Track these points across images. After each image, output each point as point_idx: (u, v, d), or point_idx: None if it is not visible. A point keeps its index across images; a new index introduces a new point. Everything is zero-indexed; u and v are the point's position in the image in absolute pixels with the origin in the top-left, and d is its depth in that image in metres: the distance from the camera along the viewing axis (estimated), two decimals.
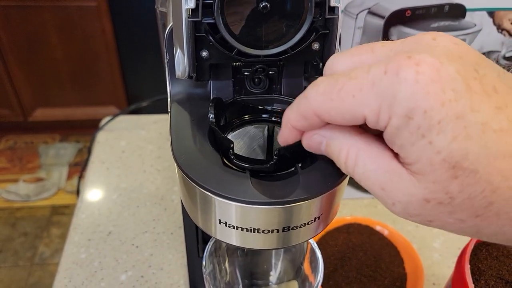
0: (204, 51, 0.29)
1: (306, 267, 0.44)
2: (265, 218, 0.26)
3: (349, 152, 0.22)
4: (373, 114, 0.19)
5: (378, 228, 0.56)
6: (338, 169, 0.27)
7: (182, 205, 0.43)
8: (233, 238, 0.28)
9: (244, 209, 0.26)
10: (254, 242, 0.28)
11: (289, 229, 0.27)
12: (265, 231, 0.27)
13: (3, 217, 1.65)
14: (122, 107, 1.91)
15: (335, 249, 0.53)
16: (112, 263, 0.55)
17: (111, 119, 0.76)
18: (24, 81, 1.82)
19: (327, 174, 0.27)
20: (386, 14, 0.47)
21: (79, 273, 0.53)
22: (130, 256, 0.56)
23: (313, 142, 0.24)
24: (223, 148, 0.27)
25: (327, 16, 0.28)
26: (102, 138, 0.74)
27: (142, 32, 1.73)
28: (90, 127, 2.00)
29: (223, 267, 0.43)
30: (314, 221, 0.28)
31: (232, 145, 0.26)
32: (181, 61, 0.29)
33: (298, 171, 0.27)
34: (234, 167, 0.27)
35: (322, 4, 0.27)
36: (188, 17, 0.27)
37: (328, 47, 0.29)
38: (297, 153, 0.27)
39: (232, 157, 0.26)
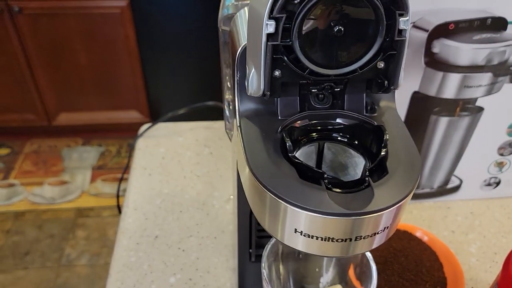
0: (277, 70, 0.31)
1: (351, 274, 0.46)
2: (339, 228, 0.28)
3: None
4: None
5: (418, 234, 0.58)
6: (407, 181, 0.29)
7: (238, 211, 0.45)
8: (312, 247, 0.30)
9: (320, 219, 0.28)
10: (320, 249, 0.30)
11: (360, 239, 0.29)
12: (338, 240, 0.29)
13: (30, 219, 1.70)
14: (143, 112, 1.95)
15: (376, 253, 0.55)
16: (160, 266, 0.57)
17: (149, 127, 0.78)
18: (49, 86, 1.86)
19: (397, 186, 0.29)
20: (430, 27, 0.48)
21: (130, 275, 0.56)
22: (177, 259, 0.58)
23: None
24: (314, 180, 0.29)
25: (396, 38, 0.30)
26: (142, 145, 0.77)
27: (163, 38, 1.76)
28: (113, 131, 2.04)
29: (277, 270, 0.45)
30: (383, 230, 0.30)
31: (325, 175, 0.28)
32: (256, 80, 0.31)
33: (370, 184, 0.29)
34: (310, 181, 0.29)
35: (392, 26, 0.29)
36: (268, 41, 0.29)
37: (394, 66, 0.31)
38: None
39: (329, 186, 0.28)
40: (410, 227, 0.58)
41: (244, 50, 0.33)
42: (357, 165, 0.34)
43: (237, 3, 0.40)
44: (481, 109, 0.56)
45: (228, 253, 0.59)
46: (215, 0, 0.45)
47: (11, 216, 1.70)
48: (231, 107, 0.41)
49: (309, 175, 0.29)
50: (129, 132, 1.87)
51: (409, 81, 0.52)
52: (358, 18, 0.29)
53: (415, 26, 0.48)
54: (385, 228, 0.30)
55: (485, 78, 0.53)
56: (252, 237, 0.47)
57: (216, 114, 0.75)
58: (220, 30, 0.40)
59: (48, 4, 1.66)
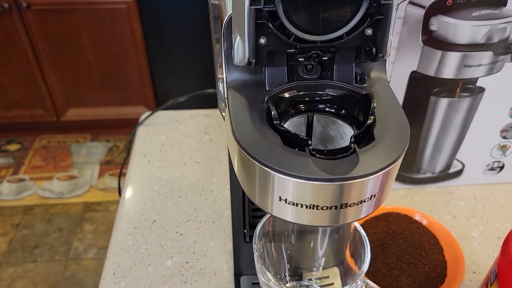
0: (263, 38, 0.30)
1: (348, 255, 0.45)
2: (324, 195, 0.28)
3: None
4: None
5: (417, 217, 0.57)
6: (394, 148, 0.29)
7: (231, 192, 0.45)
8: (299, 217, 0.29)
9: (304, 185, 0.28)
10: (309, 218, 0.30)
11: (346, 206, 0.29)
12: (323, 208, 0.29)
13: (39, 213, 1.71)
14: (151, 107, 1.95)
15: (375, 236, 0.54)
16: (158, 250, 0.57)
17: (150, 114, 0.79)
18: (57, 82, 1.88)
19: (383, 153, 0.28)
20: (427, 3, 0.47)
21: (127, 258, 0.56)
22: (175, 243, 0.58)
23: None
24: (299, 147, 0.28)
25: (383, 2, 0.29)
26: (142, 132, 0.77)
27: (170, 34, 1.77)
28: (120, 127, 2.05)
29: (270, 252, 0.44)
30: (370, 198, 0.29)
31: (310, 142, 0.28)
32: (241, 48, 0.31)
33: (356, 151, 0.28)
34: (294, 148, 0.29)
35: None
36: (251, 5, 0.28)
37: (382, 33, 0.30)
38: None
39: (313, 152, 0.27)
40: (410, 211, 0.57)
41: (230, 19, 0.32)
42: (346, 135, 0.33)
43: None
44: (482, 89, 0.55)
45: (226, 237, 0.59)
46: None
47: (20, 210, 1.72)
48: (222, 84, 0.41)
49: (294, 142, 0.29)
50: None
51: (407, 60, 0.52)
52: None
53: (411, 3, 0.47)
54: (372, 196, 0.29)
55: (486, 57, 0.52)
56: (246, 218, 0.46)
57: (216, 102, 0.75)
58: (210, 4, 0.40)
59: (56, 0, 1.67)
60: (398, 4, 0.47)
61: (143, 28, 1.75)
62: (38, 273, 1.50)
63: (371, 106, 0.30)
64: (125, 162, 0.78)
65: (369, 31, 0.31)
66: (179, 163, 0.70)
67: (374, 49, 0.31)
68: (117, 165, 1.92)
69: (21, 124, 2.03)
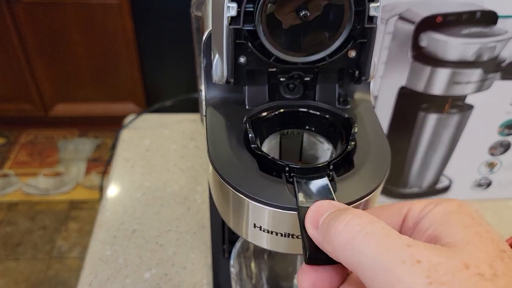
0: (242, 57, 0.29)
1: None
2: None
3: None
4: None
5: None
6: (373, 177, 0.28)
7: (210, 205, 0.43)
8: (276, 244, 0.28)
9: (279, 214, 0.26)
10: (286, 246, 0.29)
11: None
12: (299, 237, 0.27)
13: (23, 210, 1.69)
14: (140, 104, 1.93)
15: None
16: (136, 261, 0.55)
17: (135, 118, 0.77)
18: (46, 76, 1.85)
19: (362, 182, 0.27)
20: (417, 19, 0.46)
21: (104, 269, 0.54)
22: (154, 254, 0.56)
23: None
24: (276, 171, 0.27)
25: (366, 26, 0.28)
26: (126, 136, 0.75)
27: (162, 30, 1.74)
28: (109, 123, 2.03)
29: (249, 268, 0.43)
30: None
31: (287, 169, 0.26)
32: (220, 67, 0.30)
33: (334, 179, 0.27)
34: (270, 174, 0.27)
35: (361, 13, 0.28)
36: (229, 25, 0.27)
37: (365, 55, 0.29)
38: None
39: (291, 180, 0.26)
40: None
41: (210, 36, 0.31)
42: (328, 156, 0.32)
43: None
44: (470, 106, 0.54)
45: (207, 249, 0.57)
46: None
47: (4, 206, 1.69)
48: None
49: (271, 167, 0.28)
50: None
51: (396, 75, 0.51)
52: (326, 3, 0.27)
53: (401, 18, 0.46)
54: None
55: (475, 74, 0.51)
56: (225, 233, 0.45)
57: None
58: (193, 15, 0.39)
59: None
60: (388, 19, 0.46)
61: (134, 25, 1.73)
62: (20, 271, 1.47)
63: (352, 131, 0.29)
64: (108, 163, 0.76)
65: (352, 53, 0.30)
66: (163, 170, 0.69)
67: (357, 72, 0.30)
68: (104, 162, 1.90)
69: (8, 118, 1.99)
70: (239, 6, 0.27)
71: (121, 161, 0.70)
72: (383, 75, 0.51)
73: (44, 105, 1.93)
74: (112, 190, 0.65)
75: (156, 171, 0.69)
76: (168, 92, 1.90)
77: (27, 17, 1.69)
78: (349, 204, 0.26)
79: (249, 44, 0.28)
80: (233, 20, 0.27)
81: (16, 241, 1.57)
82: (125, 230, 0.59)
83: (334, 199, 0.25)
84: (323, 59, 0.29)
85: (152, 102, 1.93)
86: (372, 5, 0.27)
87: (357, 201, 0.26)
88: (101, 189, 0.77)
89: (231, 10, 0.27)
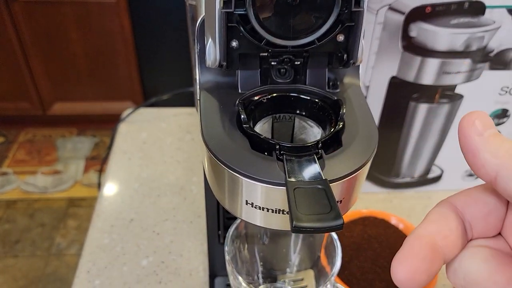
0: (234, 41, 0.30)
1: (323, 257, 0.45)
2: None
3: None
4: None
5: (393, 221, 0.57)
6: (360, 155, 0.29)
7: (205, 192, 0.44)
8: (268, 221, 0.29)
9: (270, 190, 0.27)
10: (278, 223, 0.30)
11: None
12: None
13: (21, 208, 1.70)
14: (138, 103, 1.94)
15: (350, 240, 0.54)
16: (133, 249, 0.57)
17: (132, 111, 0.78)
18: (44, 75, 1.86)
19: (349, 160, 0.28)
20: (407, 10, 0.48)
21: (102, 257, 0.55)
22: (151, 242, 0.57)
23: None
24: (267, 151, 0.28)
25: (353, 9, 0.29)
26: (123, 129, 0.76)
27: (159, 28, 1.75)
28: (107, 122, 2.03)
29: (243, 254, 0.44)
30: (338, 203, 0.29)
31: (277, 146, 0.27)
32: (212, 50, 0.31)
33: (322, 156, 0.28)
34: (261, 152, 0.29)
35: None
36: (221, 8, 0.28)
37: (353, 39, 0.31)
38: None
39: (280, 157, 0.27)
40: (387, 215, 0.58)
41: (203, 21, 0.32)
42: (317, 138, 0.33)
43: None
44: (460, 96, 0.56)
45: (203, 237, 0.58)
46: None
47: (3, 204, 1.70)
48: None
49: (262, 146, 0.29)
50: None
51: (387, 65, 0.52)
52: None
53: (391, 8, 0.47)
54: (339, 201, 0.29)
55: (464, 64, 0.52)
56: (220, 219, 0.46)
57: None
58: (187, 4, 0.40)
59: None
60: (378, 10, 0.47)
61: (132, 23, 1.74)
62: (19, 268, 1.48)
63: (340, 112, 0.30)
64: (106, 158, 0.77)
65: (341, 37, 0.31)
66: (160, 162, 0.70)
67: (345, 55, 0.31)
68: (102, 160, 1.91)
69: (6, 117, 2.00)
70: None
71: (119, 153, 0.71)
72: (374, 65, 0.52)
73: (42, 104, 1.94)
74: (111, 181, 0.66)
75: (153, 162, 0.70)
76: (166, 90, 1.90)
77: (25, 16, 1.70)
78: (336, 180, 0.27)
79: (241, 28, 0.29)
80: (225, 4, 0.28)
81: (14, 238, 1.58)
82: (123, 219, 0.60)
83: (322, 177, 0.26)
84: (312, 42, 0.30)
85: (144, 102, 1.95)
86: None
87: (345, 178, 0.27)
88: (99, 186, 0.78)
89: None
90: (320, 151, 0.28)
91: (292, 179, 0.26)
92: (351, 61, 0.31)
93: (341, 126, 0.30)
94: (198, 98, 0.34)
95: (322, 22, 0.29)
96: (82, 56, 1.82)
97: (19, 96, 1.91)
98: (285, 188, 0.27)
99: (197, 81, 0.34)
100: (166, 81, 1.89)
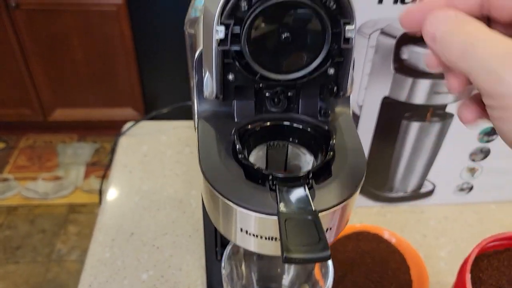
0: (230, 74, 0.32)
1: (317, 272, 0.47)
2: None
3: None
4: None
5: (386, 235, 0.59)
6: (349, 186, 0.30)
7: (203, 210, 0.46)
8: (262, 247, 0.31)
9: (263, 220, 0.29)
10: (272, 249, 0.31)
11: None
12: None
13: (22, 214, 1.71)
14: (139, 109, 1.96)
15: (344, 255, 0.56)
16: (134, 263, 0.58)
17: (133, 125, 0.80)
18: (45, 81, 1.88)
19: (339, 190, 0.30)
20: (398, 34, 0.49)
21: (104, 271, 0.57)
22: (151, 256, 0.59)
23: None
24: (261, 180, 0.30)
25: (343, 46, 0.31)
26: (124, 142, 0.78)
27: (159, 36, 1.77)
28: (107, 128, 2.05)
29: (239, 270, 0.46)
30: (326, 231, 0.31)
31: (270, 177, 0.29)
32: (210, 84, 0.32)
33: (313, 186, 0.30)
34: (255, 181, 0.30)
35: (338, 35, 0.30)
36: (218, 46, 0.30)
37: (342, 73, 0.32)
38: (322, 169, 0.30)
39: (273, 187, 0.29)
40: (380, 229, 0.59)
41: (201, 54, 0.34)
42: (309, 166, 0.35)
43: (202, 7, 0.41)
44: (451, 115, 0.57)
45: (202, 251, 0.60)
46: None
47: (3, 210, 1.72)
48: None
49: (255, 176, 0.30)
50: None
51: (379, 86, 0.53)
52: (305, 26, 0.30)
53: (383, 33, 0.49)
54: (328, 229, 0.31)
55: None
56: (217, 237, 0.48)
57: None
58: (186, 32, 0.41)
59: (45, 0, 1.67)
60: (370, 34, 0.49)
61: (132, 31, 1.76)
62: (20, 274, 1.50)
63: (331, 142, 0.32)
64: (108, 166, 0.78)
65: (331, 71, 0.33)
66: (160, 175, 0.72)
67: (335, 87, 0.33)
68: (103, 166, 1.93)
69: (7, 123, 2.02)
70: (226, 29, 0.29)
71: (119, 166, 0.73)
72: (367, 86, 0.53)
73: (43, 110, 1.95)
74: (111, 195, 0.68)
75: (153, 176, 0.71)
76: (166, 97, 1.93)
77: (27, 24, 1.72)
78: (326, 210, 0.29)
79: (236, 63, 0.31)
80: (221, 42, 0.30)
81: (15, 244, 1.60)
82: (123, 233, 0.62)
83: (312, 208, 0.28)
84: (303, 76, 0.32)
85: (150, 107, 1.96)
86: (347, 27, 0.30)
87: (334, 207, 0.29)
88: (100, 193, 0.80)
89: (219, 33, 0.29)
90: (310, 181, 0.30)
91: (284, 210, 0.28)
92: (341, 93, 0.33)
93: (331, 156, 0.31)
94: (196, 126, 0.36)
95: (313, 58, 0.31)
96: (83, 63, 1.84)
97: (20, 103, 1.92)
98: (277, 218, 0.28)
99: (195, 109, 0.36)
100: (166, 87, 1.91)
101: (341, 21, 0.30)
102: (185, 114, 0.86)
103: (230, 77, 0.32)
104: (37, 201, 1.76)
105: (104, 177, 0.80)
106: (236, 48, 0.30)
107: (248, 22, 0.29)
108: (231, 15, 0.29)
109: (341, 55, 0.32)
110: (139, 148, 0.77)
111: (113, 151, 0.77)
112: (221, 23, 0.29)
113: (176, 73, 1.87)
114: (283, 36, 0.30)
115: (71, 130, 2.09)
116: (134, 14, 1.72)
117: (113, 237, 0.61)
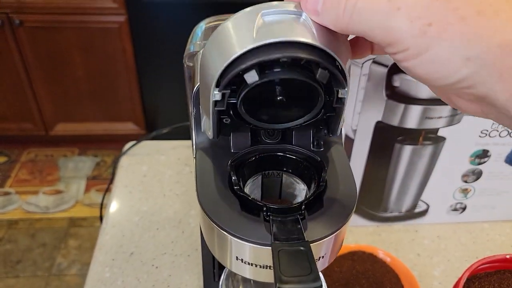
0: (226, 120, 0.34)
1: None
2: None
3: None
4: None
5: (380, 255, 0.60)
6: (340, 216, 0.32)
7: (201, 234, 0.47)
8: (257, 275, 0.32)
9: (258, 250, 0.31)
10: (266, 276, 0.33)
11: None
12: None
13: (23, 228, 1.72)
14: (139, 124, 1.98)
15: (340, 275, 0.57)
16: (134, 282, 0.59)
17: (133, 145, 0.81)
18: (47, 97, 1.90)
19: (330, 220, 0.32)
20: (389, 63, 0.51)
21: None
22: (150, 276, 0.60)
23: None
24: (256, 211, 0.31)
25: (334, 105, 0.32)
26: (125, 162, 0.79)
27: (160, 52, 1.80)
28: (108, 142, 2.08)
29: None
30: (319, 259, 0.32)
31: (265, 208, 0.30)
32: (207, 125, 0.34)
33: (305, 217, 0.31)
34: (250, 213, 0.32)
35: (331, 93, 0.31)
36: (215, 106, 0.31)
37: (334, 122, 0.34)
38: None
39: (267, 218, 0.30)
40: (375, 249, 0.61)
41: (198, 89, 0.36)
42: (302, 195, 0.37)
43: (200, 42, 0.43)
44: (443, 138, 0.59)
45: (200, 271, 0.61)
46: (211, 16, 0.48)
47: (4, 224, 1.73)
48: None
49: (250, 207, 0.32)
50: (125, 143, 1.91)
51: (372, 111, 0.55)
52: (300, 91, 0.31)
53: (375, 62, 0.51)
54: (320, 257, 0.32)
55: (445, 110, 0.56)
56: (215, 259, 0.49)
57: None
58: (185, 65, 0.43)
59: (48, 18, 1.70)
60: (363, 63, 0.51)
61: (134, 47, 1.79)
62: None
63: (322, 174, 0.33)
64: (111, 182, 0.79)
65: (323, 116, 0.34)
66: (159, 195, 0.73)
67: (325, 130, 0.35)
68: (104, 180, 1.94)
69: (9, 137, 2.04)
70: (223, 95, 0.30)
71: (120, 187, 0.74)
72: (361, 111, 0.55)
73: (45, 125, 1.97)
74: (112, 215, 0.69)
75: (153, 196, 0.73)
76: (167, 112, 1.95)
77: (29, 40, 1.75)
78: (318, 240, 0.30)
79: (231, 113, 0.33)
80: (218, 102, 0.31)
81: (16, 258, 1.60)
82: (123, 253, 0.63)
83: (304, 238, 0.29)
84: (296, 124, 0.34)
85: (150, 122, 1.99)
86: (341, 91, 0.31)
87: (325, 238, 0.31)
88: (101, 207, 0.81)
89: (216, 96, 0.30)
90: (303, 211, 0.31)
91: (277, 241, 0.29)
92: (331, 136, 0.35)
93: (322, 188, 0.33)
94: (194, 156, 0.37)
95: (306, 112, 0.33)
96: (85, 78, 1.87)
97: (22, 117, 1.95)
98: (266, 248, 0.30)
99: (193, 140, 0.38)
100: (166, 103, 1.93)
101: (334, 88, 0.30)
102: (184, 133, 0.88)
103: (226, 120, 0.34)
104: (38, 215, 1.78)
105: (106, 191, 0.81)
106: (233, 100, 0.31)
107: (243, 93, 0.30)
108: (227, 85, 0.30)
109: (333, 110, 0.33)
110: (139, 168, 0.78)
111: (114, 167, 0.79)
112: (218, 90, 0.30)
113: (176, 88, 1.89)
114: (278, 99, 0.31)
115: (72, 144, 2.11)
116: (136, 31, 1.75)
117: (113, 257, 0.63)
